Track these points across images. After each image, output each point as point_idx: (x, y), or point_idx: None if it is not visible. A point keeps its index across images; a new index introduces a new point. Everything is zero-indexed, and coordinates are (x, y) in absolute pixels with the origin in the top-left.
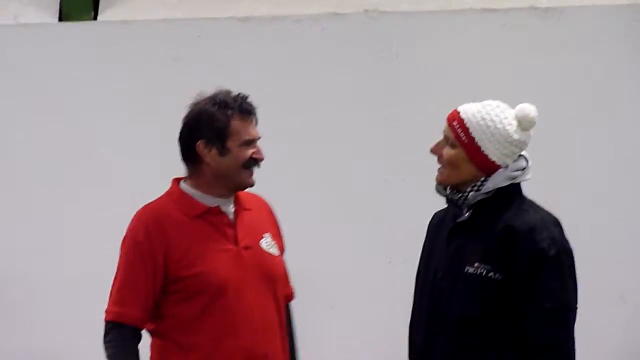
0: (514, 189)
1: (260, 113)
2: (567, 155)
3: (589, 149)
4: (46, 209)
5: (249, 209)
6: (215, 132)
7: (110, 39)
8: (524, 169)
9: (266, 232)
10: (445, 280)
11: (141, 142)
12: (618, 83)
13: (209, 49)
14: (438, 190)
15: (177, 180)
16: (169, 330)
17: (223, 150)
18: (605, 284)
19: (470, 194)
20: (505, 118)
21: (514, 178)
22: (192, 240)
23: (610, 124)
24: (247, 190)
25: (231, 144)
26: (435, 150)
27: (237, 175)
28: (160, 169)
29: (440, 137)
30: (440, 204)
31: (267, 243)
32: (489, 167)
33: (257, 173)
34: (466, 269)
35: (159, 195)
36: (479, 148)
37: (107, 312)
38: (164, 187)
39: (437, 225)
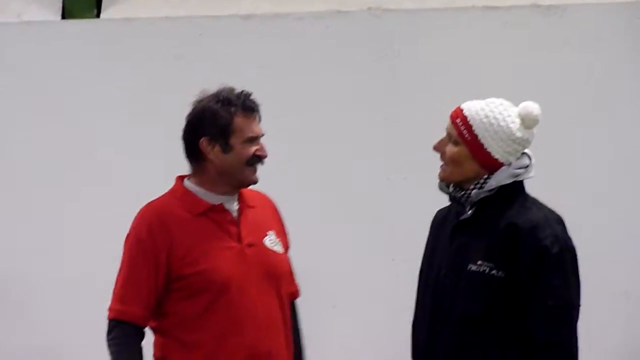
0: (517, 187)
1: (262, 111)
2: (568, 154)
3: (589, 148)
4: (46, 209)
5: (253, 207)
6: (218, 129)
7: (113, 36)
8: (527, 166)
9: (270, 229)
10: (448, 278)
11: (142, 141)
12: (619, 82)
13: (211, 46)
14: (441, 188)
15: (180, 178)
16: (172, 327)
17: (226, 148)
18: (607, 282)
19: (473, 191)
20: (509, 116)
21: (517, 176)
22: (195, 237)
23: (611, 123)
24: (251, 187)
25: (234, 141)
26: (438, 147)
27: (240, 173)
28: (161, 168)
29: (443, 134)
30: (443, 201)
31: (271, 240)
32: (492, 165)
33: (259, 171)
34: (469, 267)
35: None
36: (482, 145)
37: (110, 309)
38: (165, 186)
39: (440, 223)
